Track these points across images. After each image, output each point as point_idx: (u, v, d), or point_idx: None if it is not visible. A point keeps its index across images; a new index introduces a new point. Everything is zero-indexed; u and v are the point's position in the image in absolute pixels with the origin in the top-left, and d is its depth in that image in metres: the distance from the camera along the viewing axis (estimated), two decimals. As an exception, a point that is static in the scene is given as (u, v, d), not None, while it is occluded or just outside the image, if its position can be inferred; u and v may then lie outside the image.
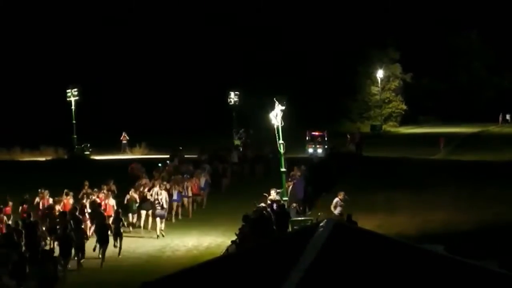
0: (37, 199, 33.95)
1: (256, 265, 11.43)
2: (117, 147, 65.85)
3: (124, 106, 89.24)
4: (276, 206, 30.66)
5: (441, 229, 30.62)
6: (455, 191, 38.67)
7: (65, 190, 34.02)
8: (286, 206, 31.83)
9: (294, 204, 33.65)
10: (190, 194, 38.57)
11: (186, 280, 11.89)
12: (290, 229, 29.35)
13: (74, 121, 59.25)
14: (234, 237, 28.16)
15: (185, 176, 39.85)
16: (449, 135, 72.80)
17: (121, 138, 66.56)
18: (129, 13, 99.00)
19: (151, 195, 35.36)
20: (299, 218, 31.72)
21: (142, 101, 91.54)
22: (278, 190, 32.91)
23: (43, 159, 59.06)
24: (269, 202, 31.25)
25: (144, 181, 37.78)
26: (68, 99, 59.38)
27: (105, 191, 35.06)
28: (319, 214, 31.13)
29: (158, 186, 36.20)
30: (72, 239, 28.16)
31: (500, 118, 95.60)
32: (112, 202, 34.14)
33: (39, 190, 34.37)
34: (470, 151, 61.19)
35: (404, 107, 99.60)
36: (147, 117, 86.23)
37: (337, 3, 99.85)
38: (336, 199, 31.81)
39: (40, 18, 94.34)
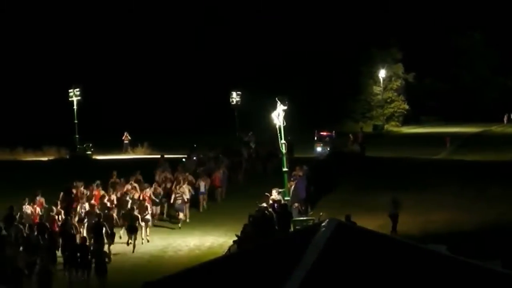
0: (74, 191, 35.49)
1: (258, 265, 11.39)
2: (119, 147, 65.86)
3: (126, 106, 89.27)
4: (278, 206, 30.63)
5: (444, 229, 30.57)
6: (458, 191, 38.62)
7: (97, 182, 35.54)
8: (288, 206, 31.78)
9: (296, 204, 33.60)
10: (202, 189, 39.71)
11: (188, 280, 11.85)
12: (292, 229, 29.33)
13: (76, 121, 59.21)
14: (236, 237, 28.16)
15: (200, 169, 41.30)
16: (452, 135, 72.70)
17: (123, 138, 66.55)
18: (131, 13, 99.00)
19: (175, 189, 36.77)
20: (301, 218, 31.65)
21: (144, 101, 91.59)
22: (279, 190, 32.89)
23: (46, 159, 59.06)
24: (271, 202, 31.21)
25: (168, 175, 39.11)
26: (70, 99, 59.33)
27: (133, 182, 36.33)
28: (321, 214, 31.05)
29: (182, 180, 37.25)
30: (105, 227, 29.72)
31: (506, 118, 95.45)
32: (149, 192, 35.67)
33: (74, 182, 35.74)
34: (473, 151, 61.12)
35: (406, 107, 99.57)
36: (149, 117, 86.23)
37: (340, 2, 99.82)
38: (388, 199, 32.40)
39: (42, 19, 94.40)
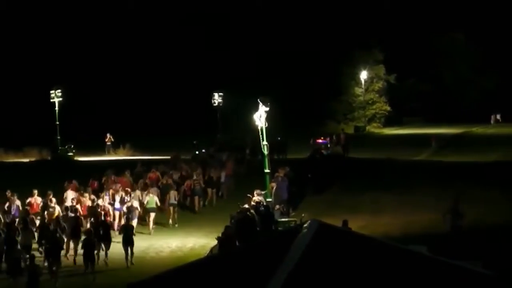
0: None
1: (241, 265, 11.44)
2: (101, 148, 65.59)
3: (108, 107, 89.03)
4: (260, 207, 30.64)
5: (425, 230, 30.64)
6: (440, 192, 38.70)
7: (128, 171, 39.75)
8: (270, 207, 31.80)
9: (278, 206, 33.64)
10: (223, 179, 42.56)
11: (172, 280, 11.88)
12: (274, 230, 29.36)
13: (57, 122, 58.91)
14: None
15: (213, 161, 45.73)
16: (434, 136, 72.77)
17: (106, 140, 66.26)
18: (113, 14, 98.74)
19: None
20: (283, 219, 31.68)
21: (126, 102, 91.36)
22: (261, 192, 32.88)
23: (27, 160, 58.76)
24: (253, 203, 31.24)
25: (183, 165, 42.92)
26: (51, 100, 59.01)
27: (155, 171, 40.26)
28: (302, 215, 31.11)
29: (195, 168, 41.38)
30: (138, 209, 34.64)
31: (493, 119, 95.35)
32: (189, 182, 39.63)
33: (106, 171, 40.08)
34: (455, 152, 61.26)
35: (388, 108, 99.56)
36: (131, 118, 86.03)
37: (322, 4, 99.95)
38: (447, 208, 30.78)
39: (24, 19, 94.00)
